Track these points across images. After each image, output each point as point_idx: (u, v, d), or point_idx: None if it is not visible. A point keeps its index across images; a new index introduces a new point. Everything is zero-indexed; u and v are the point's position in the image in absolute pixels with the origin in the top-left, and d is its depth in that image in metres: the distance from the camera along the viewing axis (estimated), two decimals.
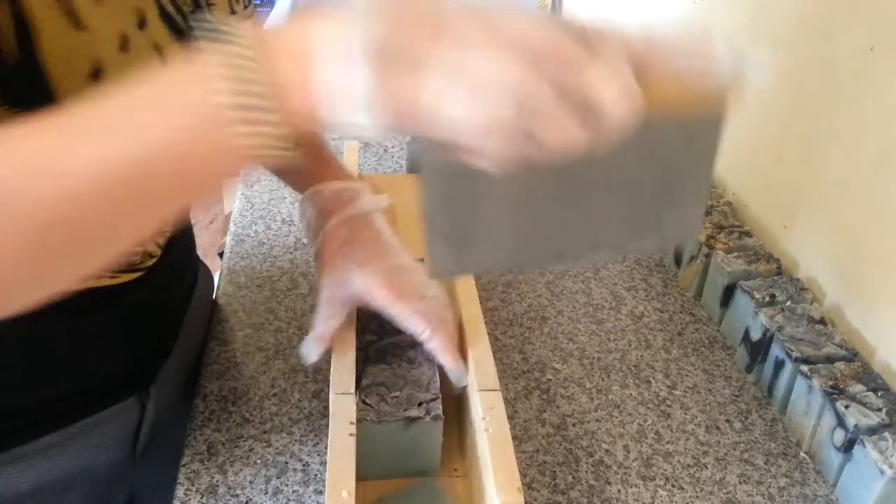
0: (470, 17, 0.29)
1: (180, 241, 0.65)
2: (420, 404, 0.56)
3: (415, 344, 0.60)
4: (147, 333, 0.63)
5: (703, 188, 0.43)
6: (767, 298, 0.77)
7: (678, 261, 0.91)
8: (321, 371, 0.72)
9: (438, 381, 0.58)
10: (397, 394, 0.57)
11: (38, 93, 0.38)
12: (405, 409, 0.56)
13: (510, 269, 0.74)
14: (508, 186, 0.35)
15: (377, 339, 0.62)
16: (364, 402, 0.56)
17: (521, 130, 0.29)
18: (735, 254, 0.83)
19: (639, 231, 0.42)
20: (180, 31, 0.46)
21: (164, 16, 0.45)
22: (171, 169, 0.31)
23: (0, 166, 0.30)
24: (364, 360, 0.60)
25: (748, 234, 0.87)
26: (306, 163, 0.62)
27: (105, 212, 0.31)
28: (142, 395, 0.62)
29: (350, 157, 0.91)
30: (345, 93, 0.30)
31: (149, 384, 0.63)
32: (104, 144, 0.30)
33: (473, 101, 0.29)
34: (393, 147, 1.16)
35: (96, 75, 0.40)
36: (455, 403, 0.62)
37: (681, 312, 0.85)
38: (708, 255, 0.84)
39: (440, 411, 0.56)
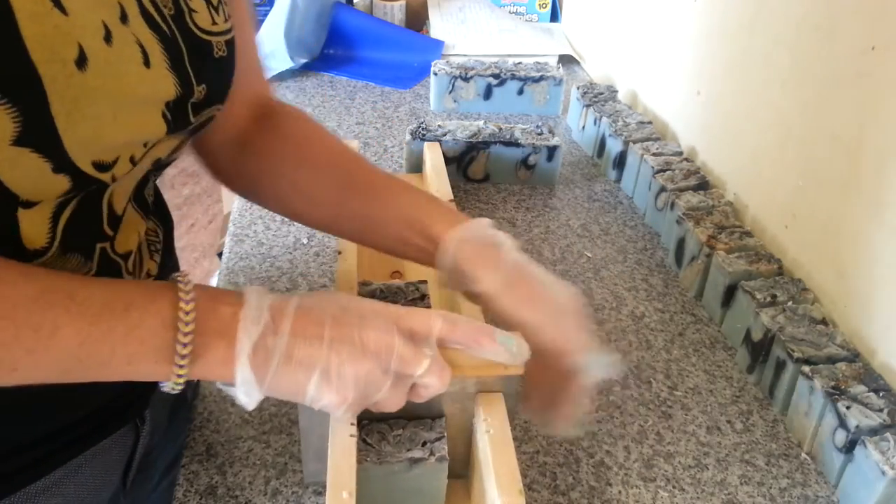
0: (344, 327, 0.45)
1: (170, 254, 0.62)
2: (424, 444, 0.52)
3: None
4: None
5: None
6: (769, 299, 0.77)
7: (679, 261, 0.91)
8: None
9: (444, 419, 0.55)
10: (400, 432, 0.53)
11: (23, 77, 0.37)
12: (408, 450, 0.52)
13: None
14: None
15: None
16: (364, 441, 0.52)
17: (365, 404, 0.47)
18: (736, 254, 0.83)
19: None
20: (161, 32, 0.45)
21: (145, 14, 0.44)
22: (109, 373, 0.42)
23: None
24: None
25: (749, 234, 0.87)
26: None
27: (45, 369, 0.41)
28: (136, 422, 0.60)
29: None
30: (243, 384, 0.44)
31: (143, 408, 0.60)
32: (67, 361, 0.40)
33: (340, 392, 0.45)
34: (393, 147, 1.16)
35: (81, 63, 0.39)
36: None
37: (682, 313, 0.85)
38: (709, 256, 0.84)
39: (445, 452, 0.52)
